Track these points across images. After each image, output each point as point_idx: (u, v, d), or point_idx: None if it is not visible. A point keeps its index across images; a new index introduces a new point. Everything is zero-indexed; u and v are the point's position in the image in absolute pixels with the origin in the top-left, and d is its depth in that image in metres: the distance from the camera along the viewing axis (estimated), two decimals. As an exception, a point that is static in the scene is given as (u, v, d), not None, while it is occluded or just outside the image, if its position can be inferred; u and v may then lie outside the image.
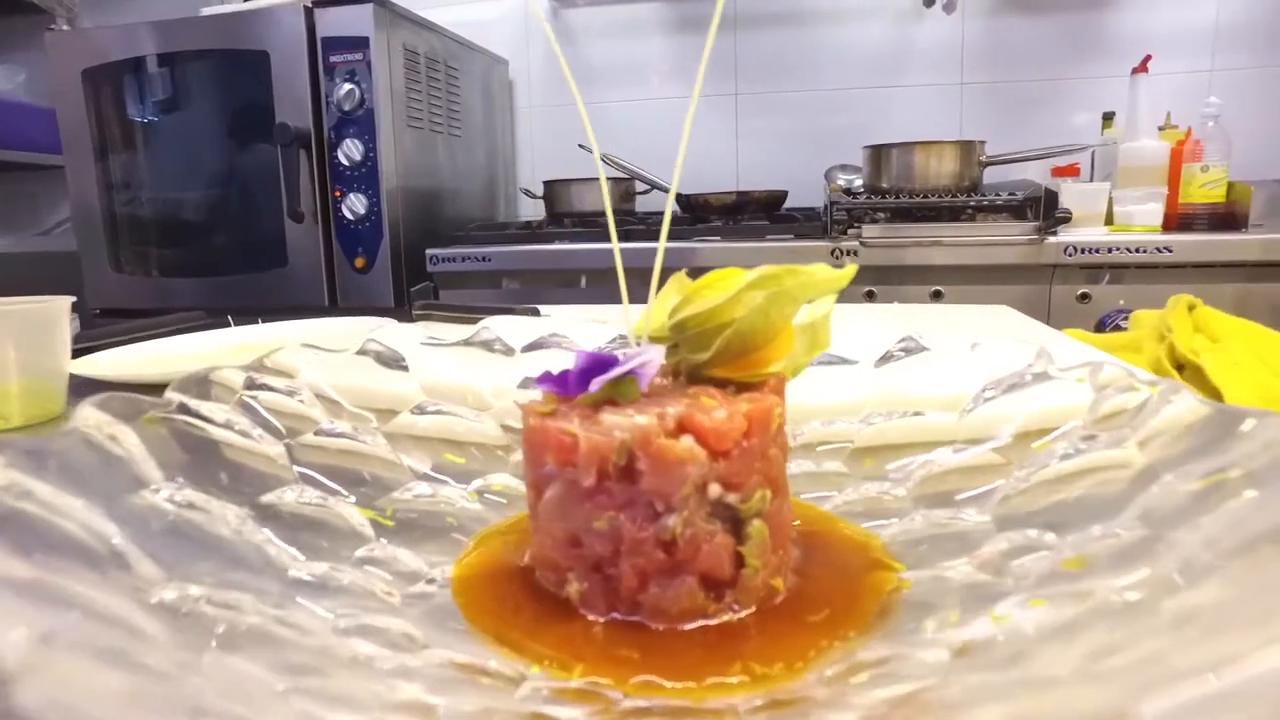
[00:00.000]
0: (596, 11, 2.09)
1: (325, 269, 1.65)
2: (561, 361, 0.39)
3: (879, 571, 0.25)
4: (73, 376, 0.57)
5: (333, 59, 1.60)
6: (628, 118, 2.12)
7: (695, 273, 0.28)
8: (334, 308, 1.65)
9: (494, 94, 2.08)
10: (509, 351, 0.39)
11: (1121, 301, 1.47)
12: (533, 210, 2.13)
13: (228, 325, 0.81)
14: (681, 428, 0.21)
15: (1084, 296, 1.49)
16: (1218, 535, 0.19)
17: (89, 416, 0.24)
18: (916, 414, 0.34)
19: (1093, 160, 1.77)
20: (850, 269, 0.24)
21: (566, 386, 0.23)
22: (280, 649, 0.20)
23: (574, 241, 1.69)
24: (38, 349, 0.52)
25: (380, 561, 0.27)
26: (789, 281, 0.23)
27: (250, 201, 1.70)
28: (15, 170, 2.06)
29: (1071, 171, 1.77)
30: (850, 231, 1.60)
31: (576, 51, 2.13)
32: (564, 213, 1.89)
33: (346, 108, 1.60)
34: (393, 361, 0.37)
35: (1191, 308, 0.53)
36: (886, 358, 0.37)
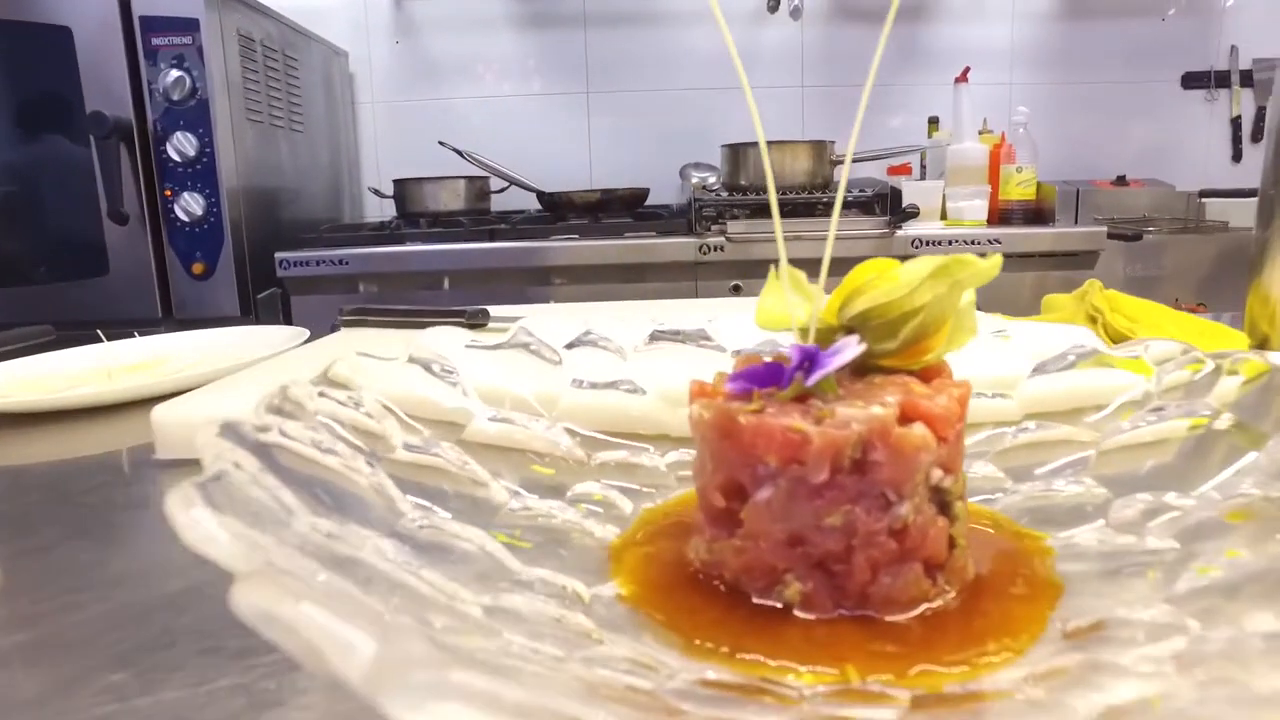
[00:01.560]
0: (440, 4, 2.02)
1: (157, 276, 1.49)
2: (600, 360, 0.38)
3: (1026, 540, 0.26)
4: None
5: (155, 41, 1.44)
6: (475, 114, 2.07)
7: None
8: (169, 320, 1.49)
9: (335, 87, 1.95)
10: (554, 354, 0.37)
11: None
12: (379, 210, 2.03)
13: (98, 341, 0.71)
14: (908, 416, 0.21)
15: (926, 285, 1.63)
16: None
17: (215, 447, 0.21)
18: (979, 395, 0.36)
19: (922, 160, 1.94)
20: (997, 259, 0.25)
21: (768, 381, 0.22)
22: (520, 676, 0.18)
23: (432, 242, 1.63)
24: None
25: (532, 586, 0.25)
26: (960, 272, 0.24)
27: (59, 201, 1.49)
28: None
29: (904, 170, 1.93)
30: (715, 227, 1.65)
31: (420, 45, 2.05)
32: (417, 212, 1.81)
33: (175, 97, 1.44)
34: (442, 370, 0.34)
35: (1101, 290, 0.60)
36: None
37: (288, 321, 1.61)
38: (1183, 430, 0.29)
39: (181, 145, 1.45)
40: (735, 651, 0.21)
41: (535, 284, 1.63)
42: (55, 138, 1.48)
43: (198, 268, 1.50)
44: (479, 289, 1.62)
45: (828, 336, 0.24)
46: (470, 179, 1.84)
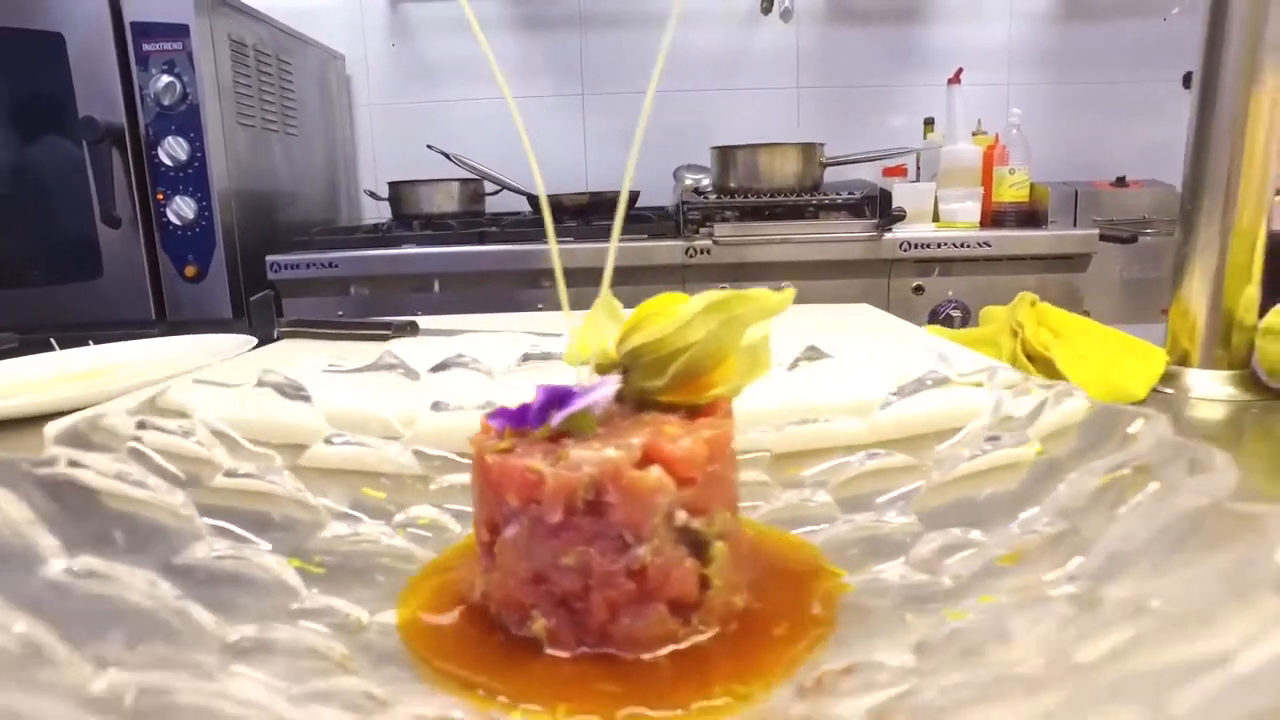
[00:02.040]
0: (436, 6, 2.03)
1: (150, 279, 1.51)
2: (470, 381, 0.38)
3: (822, 578, 0.26)
4: None
5: (146, 47, 1.46)
6: (470, 117, 2.08)
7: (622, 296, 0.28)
8: (163, 322, 1.51)
9: (331, 90, 1.97)
10: (414, 376, 0.37)
11: (950, 293, 1.61)
12: (376, 213, 2.04)
13: (51, 349, 0.73)
14: (649, 458, 0.21)
15: (919, 289, 1.61)
16: (1134, 528, 0.21)
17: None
18: (825, 421, 0.36)
19: (918, 162, 1.92)
20: (789, 293, 0.25)
21: (524, 420, 0.22)
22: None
23: (424, 245, 1.64)
24: None
25: (314, 614, 0.25)
26: (739, 308, 0.24)
27: (53, 204, 1.52)
28: None
29: (900, 172, 1.91)
30: (703, 230, 1.64)
31: (415, 47, 2.06)
32: (411, 215, 1.83)
33: (166, 102, 1.47)
34: (294, 392, 0.34)
35: (1033, 303, 0.59)
36: (794, 365, 0.39)
37: (278, 333, 1.63)
38: (1010, 460, 0.29)
39: (173, 150, 1.48)
40: (472, 685, 0.21)
41: (526, 286, 1.64)
42: (49, 142, 1.51)
43: (190, 271, 1.52)
44: (469, 292, 1.63)
45: (608, 372, 0.24)
46: (464, 181, 1.85)
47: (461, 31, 2.05)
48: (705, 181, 1.92)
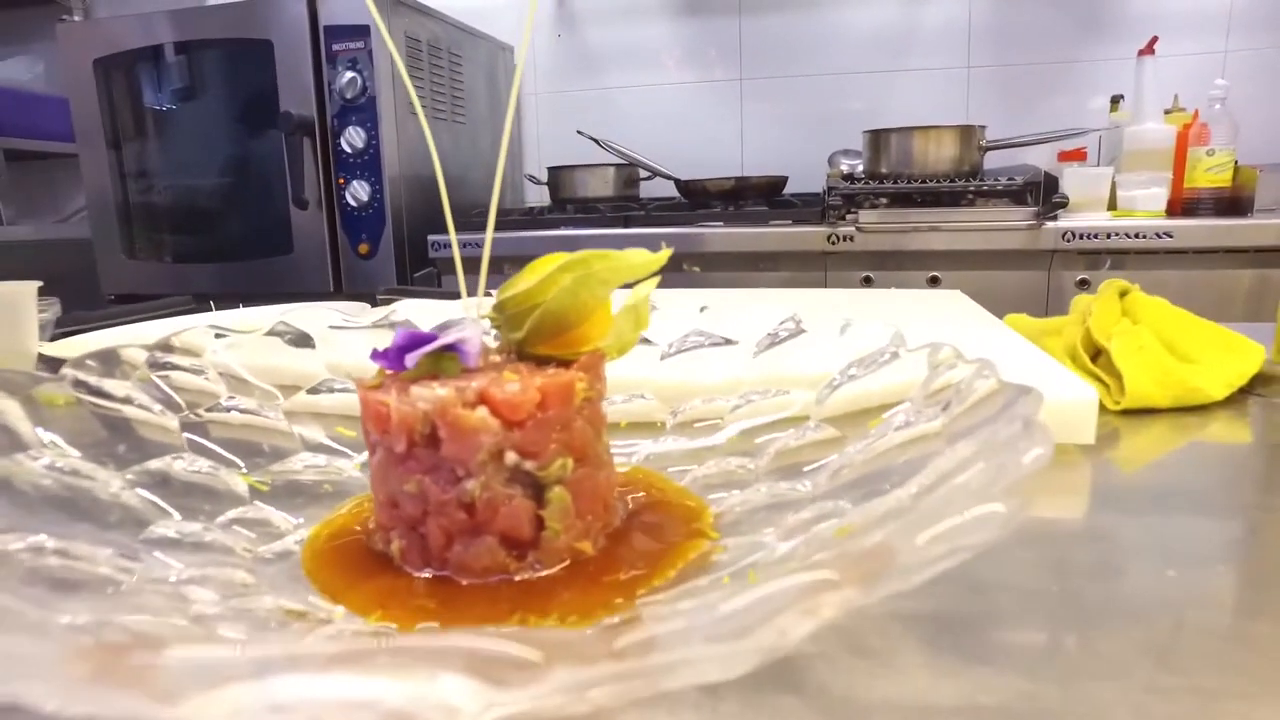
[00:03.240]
0: (601, -2, 2.10)
1: (330, 255, 1.69)
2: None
3: (695, 539, 0.27)
4: (45, 360, 0.60)
5: (335, 47, 1.63)
6: (632, 103, 2.13)
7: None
8: (339, 294, 1.69)
9: (499, 81, 2.09)
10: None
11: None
12: (538, 197, 2.15)
13: (209, 310, 0.84)
14: (480, 400, 0.23)
15: (1083, 283, 1.48)
16: (945, 498, 0.20)
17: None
18: (784, 392, 0.36)
19: (1099, 145, 1.75)
20: (663, 254, 0.26)
21: (391, 361, 0.25)
22: (114, 596, 0.22)
23: (576, 227, 1.71)
24: (4, 332, 0.55)
25: (249, 522, 0.29)
26: (598, 265, 0.25)
27: (258, 189, 1.74)
28: (34, 159, 2.12)
29: (1079, 156, 1.75)
30: (848, 217, 1.60)
31: (580, 37, 2.14)
32: (567, 199, 1.91)
33: (349, 95, 1.63)
34: (302, 342, 0.39)
35: (1124, 293, 0.54)
36: (770, 339, 0.39)
37: (377, 303, 1.77)
38: (918, 435, 0.28)
39: (352, 138, 1.64)
40: (328, 589, 0.24)
41: (670, 269, 1.66)
42: (256, 136, 1.72)
43: (363, 248, 1.69)
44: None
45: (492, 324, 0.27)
46: (619, 167, 1.90)
47: (623, 21, 2.11)
48: (860, 167, 1.86)
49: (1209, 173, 1.50)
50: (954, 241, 1.53)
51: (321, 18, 1.62)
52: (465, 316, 0.26)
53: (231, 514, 0.29)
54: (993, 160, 1.68)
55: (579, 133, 1.77)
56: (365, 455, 0.35)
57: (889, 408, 0.32)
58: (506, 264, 1.73)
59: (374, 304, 0.84)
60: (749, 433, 0.35)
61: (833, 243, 1.57)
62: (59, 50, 1.72)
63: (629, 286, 0.29)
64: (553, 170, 1.92)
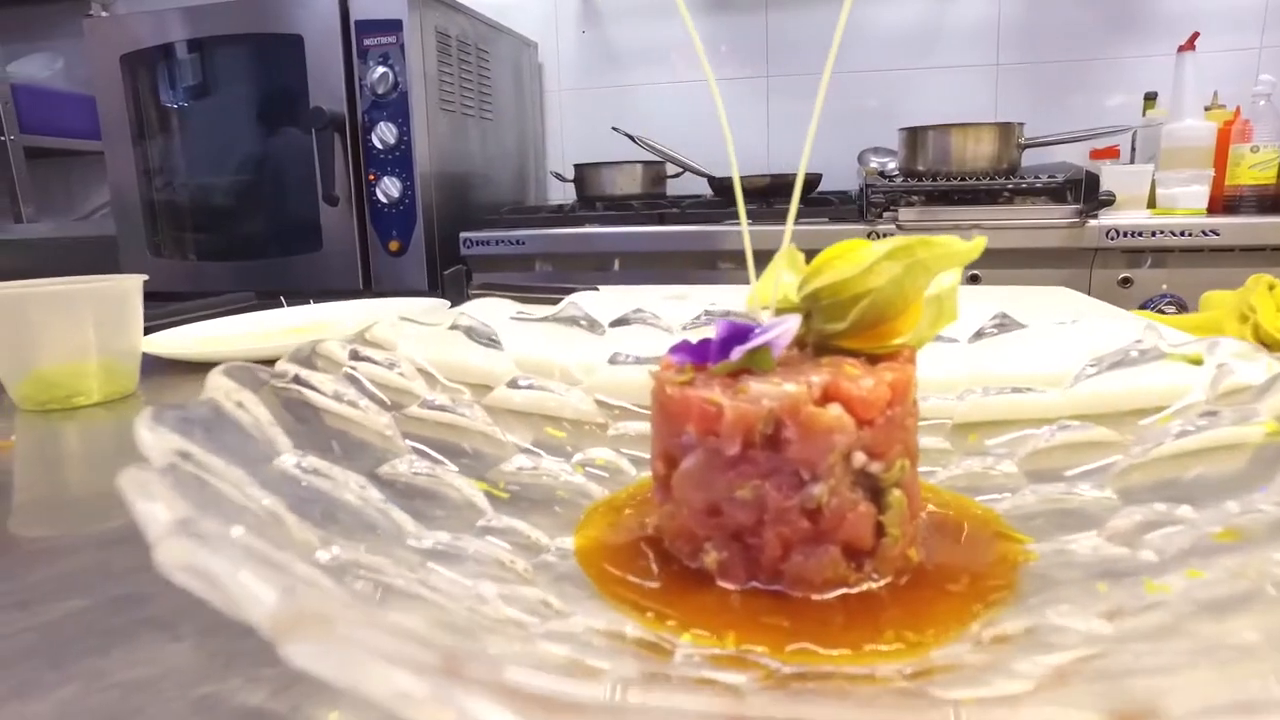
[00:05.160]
0: (626, -7, 2.07)
1: (360, 252, 1.66)
2: (649, 337, 0.39)
3: (1005, 543, 0.25)
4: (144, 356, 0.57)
5: (366, 42, 1.60)
6: (658, 100, 2.11)
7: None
8: (369, 291, 1.66)
9: (524, 77, 2.07)
10: (596, 327, 0.39)
11: (1164, 286, 1.45)
12: (562, 194, 2.13)
13: (280, 306, 0.82)
14: (829, 396, 0.21)
15: (1125, 281, 1.47)
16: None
17: (220, 385, 0.25)
18: (1017, 390, 0.34)
19: (1133, 143, 1.75)
20: (980, 241, 0.24)
21: (705, 355, 0.23)
22: (431, 611, 0.20)
23: (606, 225, 1.69)
24: (114, 327, 0.53)
25: (499, 532, 0.27)
26: (923, 253, 0.23)
27: (285, 186, 1.70)
28: (55, 156, 2.08)
29: (1110, 154, 1.74)
30: (886, 215, 1.58)
31: (605, 33, 2.12)
32: (595, 196, 1.88)
33: (380, 91, 1.60)
34: (484, 337, 0.37)
35: (1272, 287, 0.53)
36: (980, 334, 0.37)
37: (469, 297, 1.74)
38: (1228, 439, 0.26)
39: (384, 134, 1.61)
40: (641, 608, 0.22)
41: (702, 268, 1.66)
42: (286, 132, 1.69)
43: (394, 245, 1.66)
44: (648, 271, 1.67)
45: (785, 315, 0.24)
46: (646, 164, 1.88)
47: (649, 17, 2.09)
48: (891, 165, 1.84)
49: (1253, 170, 1.49)
50: (994, 240, 1.50)
51: (353, 12, 1.59)
52: (778, 310, 0.24)
53: (480, 523, 0.27)
54: (1025, 158, 1.67)
55: (614, 129, 1.75)
56: (578, 457, 0.33)
57: (1152, 410, 0.30)
58: (538, 261, 1.71)
59: (457, 301, 0.81)
60: (984, 432, 0.33)
61: (872, 240, 1.55)
62: (86, 46, 1.68)
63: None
64: (579, 167, 1.90)
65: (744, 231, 0.26)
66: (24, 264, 1.74)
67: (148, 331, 0.69)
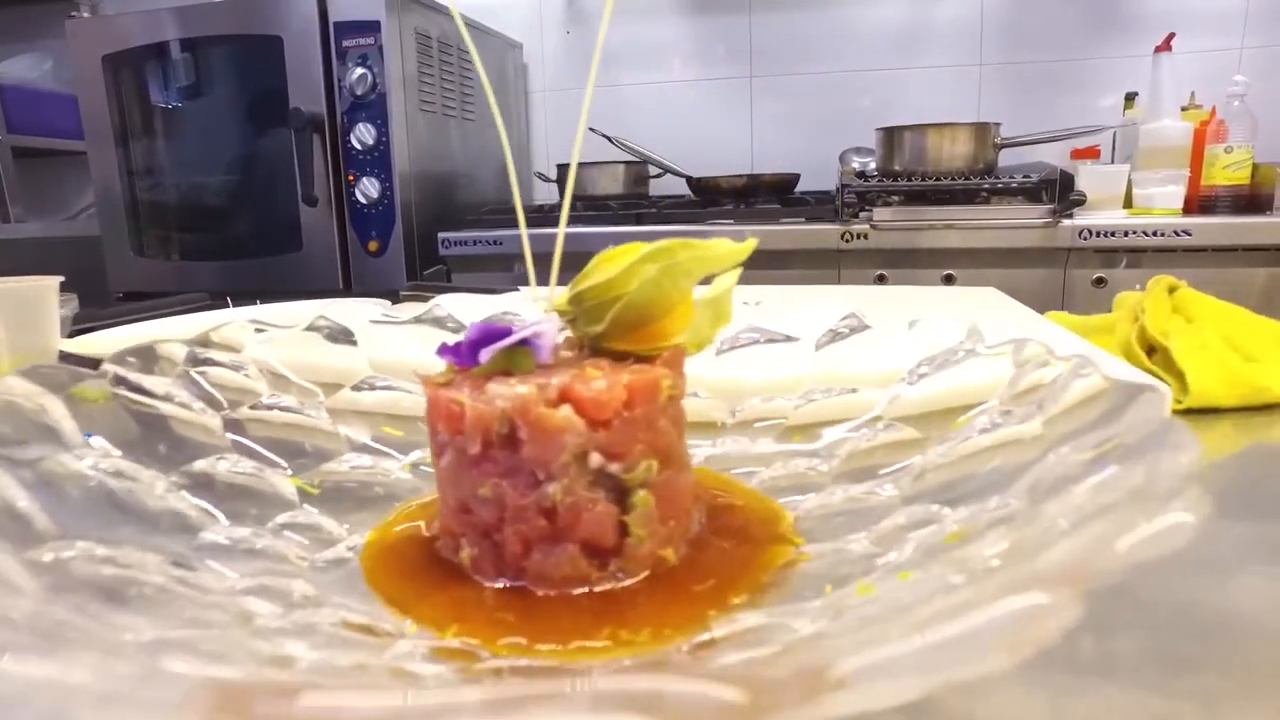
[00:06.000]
0: (611, -6, 2.07)
1: (340, 253, 1.67)
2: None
3: (778, 545, 0.25)
4: (66, 356, 0.58)
5: (345, 43, 1.61)
6: (640, 100, 2.11)
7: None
8: (347, 292, 1.67)
9: (508, 78, 2.08)
10: (460, 329, 0.40)
11: (1138, 286, 1.44)
12: (546, 194, 2.13)
13: (225, 307, 0.83)
14: (563, 398, 0.21)
15: (1100, 281, 1.46)
16: (1081, 503, 0.19)
17: (15, 386, 0.25)
18: (851, 391, 0.34)
19: (1114, 143, 1.74)
20: (750, 243, 0.24)
21: (462, 357, 0.23)
22: (170, 605, 0.21)
23: (586, 225, 1.69)
24: (27, 328, 0.54)
25: (301, 527, 0.27)
26: (683, 255, 0.23)
27: (267, 186, 1.72)
28: (42, 156, 2.10)
29: (1092, 154, 1.73)
30: (861, 214, 1.58)
31: (589, 33, 2.12)
32: (577, 196, 1.89)
33: (359, 92, 1.61)
34: (343, 337, 0.37)
35: (1173, 290, 0.53)
36: (830, 335, 0.37)
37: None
38: (1013, 437, 0.26)
39: (362, 135, 1.62)
40: (394, 600, 0.22)
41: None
42: (265, 133, 1.70)
43: (373, 246, 1.67)
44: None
45: (566, 317, 0.25)
46: (628, 164, 1.89)
47: (633, 18, 2.09)
48: (872, 165, 1.84)
49: (1227, 170, 1.49)
50: (969, 239, 1.52)
51: (332, 13, 1.60)
52: (537, 311, 0.24)
53: (281, 519, 0.28)
54: (1005, 158, 1.67)
55: (591, 130, 1.75)
56: (414, 456, 0.33)
57: (966, 408, 0.30)
58: (516, 262, 1.72)
59: (395, 300, 0.82)
60: (813, 433, 0.33)
61: (846, 241, 1.56)
62: (68, 47, 1.70)
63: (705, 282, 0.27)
64: (562, 168, 1.91)
65: (523, 235, 0.27)
66: (10, 264, 1.76)
67: (86, 331, 0.71)
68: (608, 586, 0.22)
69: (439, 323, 0.40)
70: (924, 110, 1.85)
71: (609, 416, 0.22)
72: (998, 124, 1.61)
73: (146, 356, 0.31)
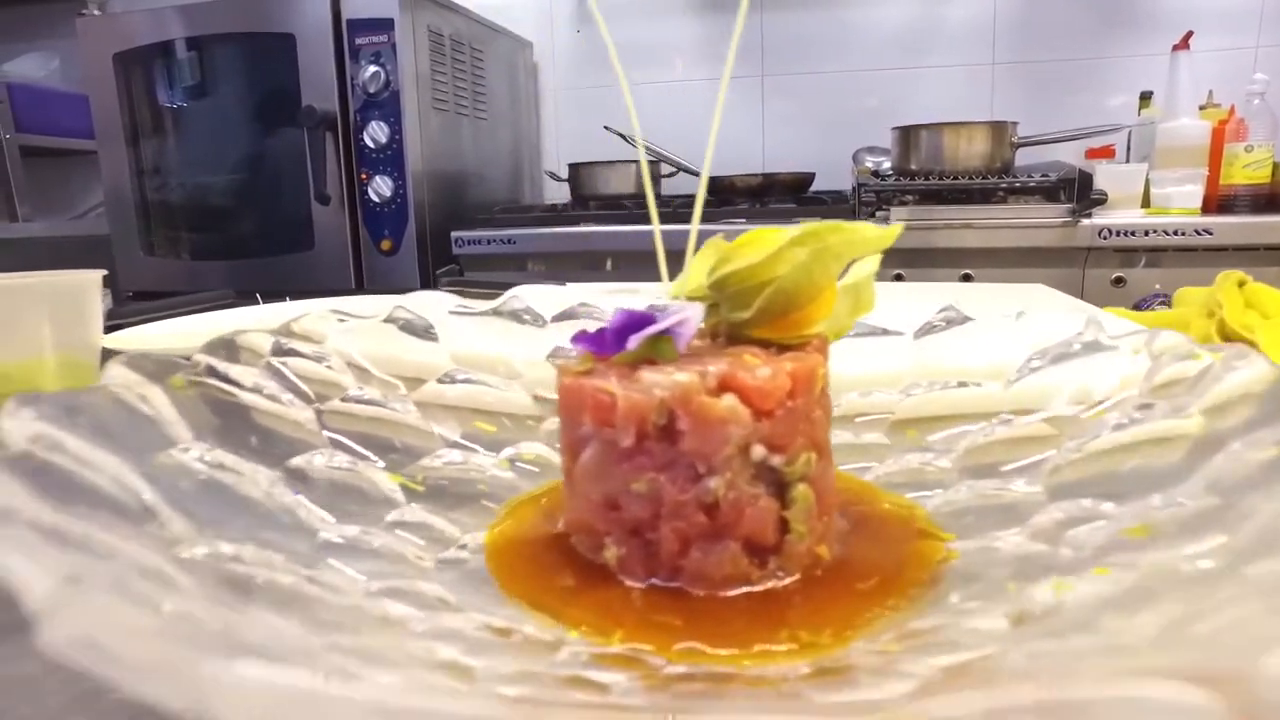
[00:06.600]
0: (621, -8, 2.07)
1: (352, 252, 1.66)
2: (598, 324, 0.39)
3: (926, 540, 0.24)
4: (105, 351, 0.57)
5: (358, 41, 1.60)
6: (652, 100, 2.10)
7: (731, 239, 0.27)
8: (360, 291, 1.65)
9: (519, 77, 2.07)
10: (539, 321, 0.38)
11: (1158, 286, 1.44)
12: (557, 193, 2.12)
13: (256, 304, 0.81)
14: (724, 386, 0.20)
15: (1119, 280, 1.46)
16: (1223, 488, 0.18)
17: (119, 375, 0.24)
18: (960, 385, 0.33)
19: (1129, 142, 1.73)
20: (897, 227, 0.23)
21: (603, 345, 0.22)
22: (312, 607, 0.20)
23: (599, 224, 1.68)
24: (71, 322, 0.52)
25: (411, 526, 0.26)
26: (832, 239, 0.22)
27: (278, 185, 1.70)
28: (49, 156, 2.08)
29: (1106, 154, 1.73)
30: (879, 214, 1.58)
31: (598, 32, 2.11)
32: (589, 195, 1.88)
33: (372, 90, 1.59)
34: (421, 330, 0.36)
35: (1241, 284, 0.52)
36: (927, 328, 0.36)
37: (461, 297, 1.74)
38: (1164, 433, 0.25)
39: (375, 133, 1.61)
40: (539, 604, 0.21)
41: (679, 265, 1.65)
42: (277, 131, 1.68)
43: (385, 245, 1.65)
44: (641, 270, 1.66)
45: (703, 303, 0.24)
46: (639, 163, 1.88)
47: (643, 17, 2.08)
48: (886, 164, 1.83)
49: (1247, 169, 1.48)
50: (986, 239, 1.51)
51: (345, 11, 1.59)
52: (679, 299, 0.23)
53: (391, 517, 0.26)
54: (1018, 157, 1.66)
55: (606, 128, 1.74)
56: (507, 452, 0.32)
57: (1089, 403, 0.29)
58: (530, 260, 1.70)
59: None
60: (925, 428, 0.32)
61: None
62: (79, 45, 1.68)
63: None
64: (573, 167, 1.89)
65: (655, 230, 0.26)
66: (18, 263, 1.74)
67: (119, 328, 0.69)
68: (767, 586, 0.21)
69: (516, 315, 0.39)
70: (935, 110, 1.85)
71: (773, 406, 0.20)
72: (1015, 123, 1.60)
73: (230, 348, 0.30)
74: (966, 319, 0.35)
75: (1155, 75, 1.71)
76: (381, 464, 0.29)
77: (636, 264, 1.65)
